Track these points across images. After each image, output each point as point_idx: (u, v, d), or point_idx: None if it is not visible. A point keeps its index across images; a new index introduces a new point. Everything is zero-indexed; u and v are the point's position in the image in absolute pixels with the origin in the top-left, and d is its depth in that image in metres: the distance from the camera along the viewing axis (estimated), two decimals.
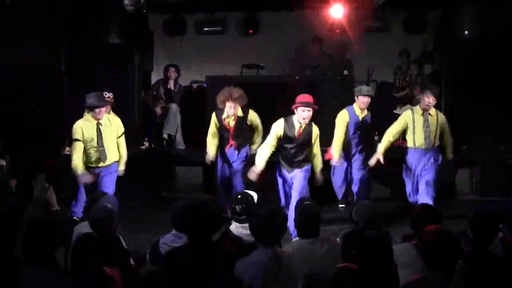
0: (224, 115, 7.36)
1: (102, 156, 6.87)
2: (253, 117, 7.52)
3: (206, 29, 11.39)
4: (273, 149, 6.95)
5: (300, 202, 4.97)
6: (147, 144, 9.59)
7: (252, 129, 7.64)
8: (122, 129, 7.11)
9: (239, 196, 5.17)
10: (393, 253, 3.68)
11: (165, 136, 9.95)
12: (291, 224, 5.38)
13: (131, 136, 8.82)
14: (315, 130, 6.94)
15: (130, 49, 10.00)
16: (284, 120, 6.89)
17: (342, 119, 7.83)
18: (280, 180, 7.14)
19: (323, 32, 10.88)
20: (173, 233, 4.75)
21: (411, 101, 9.87)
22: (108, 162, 6.95)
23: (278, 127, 6.89)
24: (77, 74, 9.24)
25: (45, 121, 8.93)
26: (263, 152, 6.92)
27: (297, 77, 10.23)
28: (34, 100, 9.09)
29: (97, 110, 6.72)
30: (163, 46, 11.54)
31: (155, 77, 11.22)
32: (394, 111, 9.70)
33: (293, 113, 6.81)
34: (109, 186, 6.90)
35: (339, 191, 8.29)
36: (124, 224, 6.20)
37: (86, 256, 3.70)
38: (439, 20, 10.72)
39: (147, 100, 10.20)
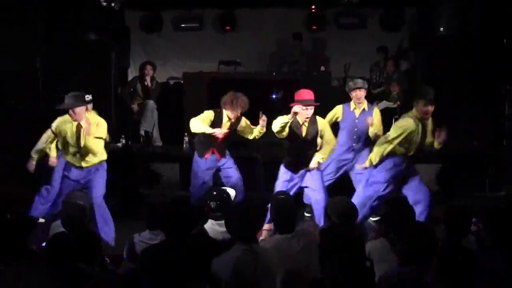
0: (225, 119, 6.91)
1: (79, 159, 6.55)
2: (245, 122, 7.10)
3: (183, 25, 11.40)
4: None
5: (274, 197, 4.98)
6: (124, 141, 9.54)
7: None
8: (100, 132, 6.54)
9: (214, 193, 5.09)
10: (364, 246, 3.70)
11: (142, 132, 9.89)
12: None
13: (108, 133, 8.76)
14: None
15: (106, 45, 9.92)
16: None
17: (332, 111, 7.20)
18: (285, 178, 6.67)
19: (300, 29, 10.94)
20: (150, 230, 4.74)
21: (388, 97, 9.97)
22: (91, 163, 6.63)
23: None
24: (53, 71, 9.16)
25: (20, 119, 8.85)
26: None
27: (274, 73, 10.29)
28: (10, 98, 9.00)
29: (70, 112, 6.30)
30: (139, 42, 11.51)
31: (131, 74, 11.15)
32: None
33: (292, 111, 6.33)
34: (97, 185, 6.61)
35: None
36: None
37: (59, 255, 3.66)
38: (415, 17, 10.80)
39: (124, 97, 10.14)
